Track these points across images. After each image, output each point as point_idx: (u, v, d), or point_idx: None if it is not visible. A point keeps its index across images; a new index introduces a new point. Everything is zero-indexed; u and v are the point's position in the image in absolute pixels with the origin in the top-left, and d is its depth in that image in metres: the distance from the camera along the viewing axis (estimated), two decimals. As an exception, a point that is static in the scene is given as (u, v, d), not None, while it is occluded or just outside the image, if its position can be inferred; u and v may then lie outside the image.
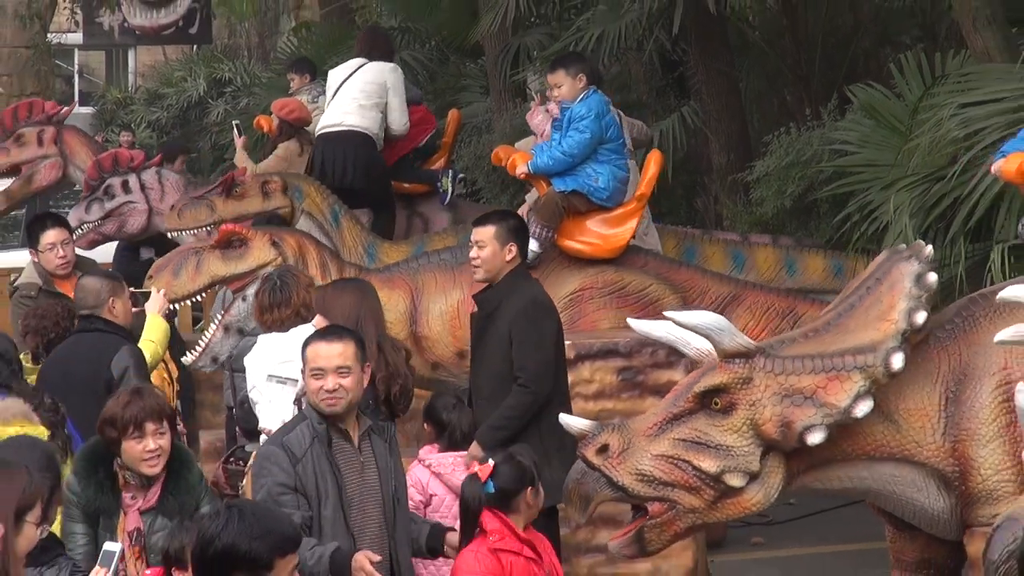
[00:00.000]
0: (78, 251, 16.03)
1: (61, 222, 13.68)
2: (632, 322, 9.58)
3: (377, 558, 8.23)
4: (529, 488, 8.77)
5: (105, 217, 16.34)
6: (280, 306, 10.90)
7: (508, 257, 10.68)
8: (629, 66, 19.10)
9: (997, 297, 8.81)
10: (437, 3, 20.64)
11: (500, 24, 18.34)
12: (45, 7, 31.34)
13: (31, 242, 13.49)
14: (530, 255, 12.00)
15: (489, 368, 10.54)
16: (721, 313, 12.54)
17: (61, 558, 7.37)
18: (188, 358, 12.49)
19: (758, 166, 15.88)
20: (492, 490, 8.66)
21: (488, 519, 8.66)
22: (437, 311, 12.57)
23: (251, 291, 11.87)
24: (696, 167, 18.34)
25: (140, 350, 10.77)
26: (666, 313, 9.25)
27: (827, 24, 17.88)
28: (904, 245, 9.62)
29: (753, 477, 8.70)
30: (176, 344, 13.00)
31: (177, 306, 12.76)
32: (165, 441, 8.24)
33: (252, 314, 11.81)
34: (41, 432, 9.21)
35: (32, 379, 11.33)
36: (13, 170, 17.18)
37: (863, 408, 8.71)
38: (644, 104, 18.75)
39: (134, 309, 11.67)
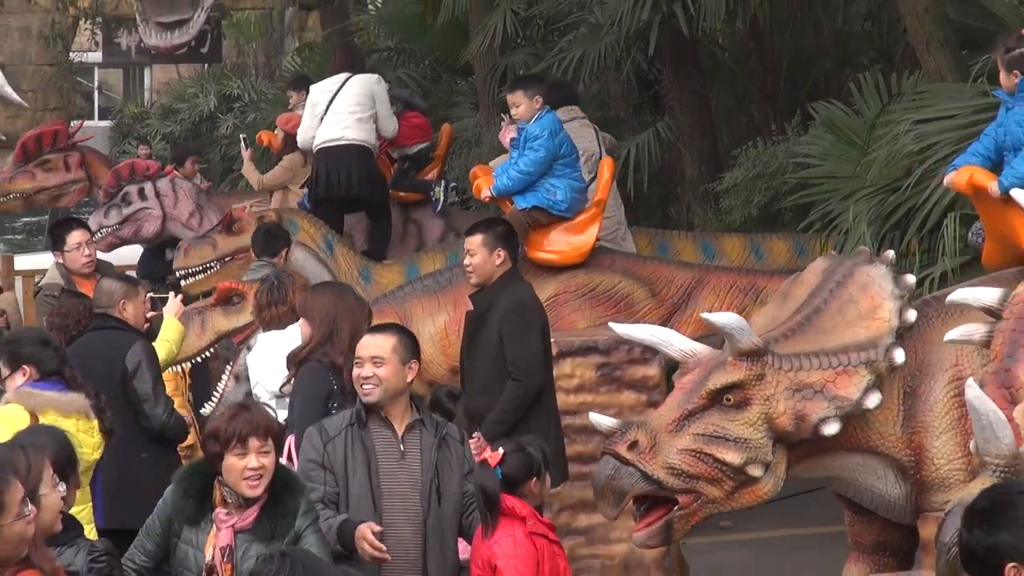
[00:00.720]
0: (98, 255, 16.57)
1: (83, 224, 13.62)
2: (614, 326, 9.63)
3: (378, 529, 8.14)
4: (535, 478, 8.56)
5: (123, 222, 16.30)
6: (276, 304, 11.00)
7: (497, 262, 10.70)
8: (608, 85, 19.09)
9: (947, 300, 8.84)
10: (430, 25, 20.59)
11: (488, 45, 18.33)
12: (67, 28, 31.31)
13: (55, 244, 13.41)
14: None
15: (481, 364, 10.56)
16: (689, 297, 12.74)
17: (80, 539, 7.33)
18: (206, 409, 12.41)
19: (727, 177, 15.88)
20: (500, 477, 8.43)
21: (519, 505, 8.46)
22: (427, 334, 12.51)
23: (253, 341, 11.89)
24: (670, 178, 18.34)
25: (152, 346, 10.77)
26: (703, 315, 9.22)
27: (791, 47, 17.88)
28: (864, 248, 9.72)
29: (767, 468, 8.69)
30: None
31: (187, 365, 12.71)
32: (269, 460, 7.61)
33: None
34: (94, 427, 9.24)
35: None
36: (37, 192, 17.11)
37: (874, 400, 8.73)
38: (622, 120, 18.75)
39: (152, 312, 11.68)
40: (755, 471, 8.60)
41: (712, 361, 8.75)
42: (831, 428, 8.64)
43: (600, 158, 13.84)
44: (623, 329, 9.46)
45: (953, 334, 8.38)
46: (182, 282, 14.41)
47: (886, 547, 9.91)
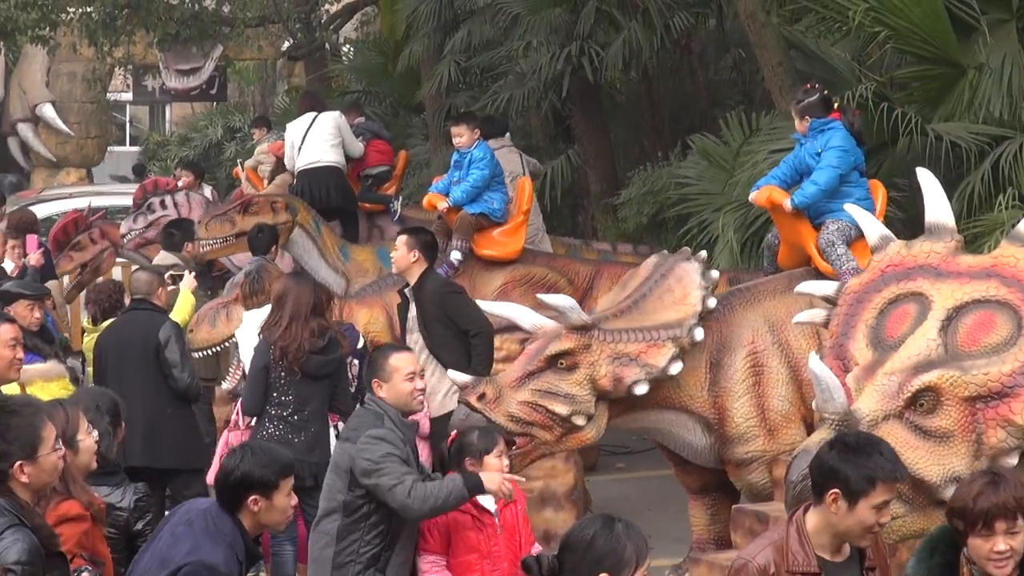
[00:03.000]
0: (130, 253, 16.76)
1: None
2: (481, 303, 10.41)
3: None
4: (468, 457, 7.64)
5: (147, 226, 16.25)
6: (258, 293, 10.97)
7: (412, 259, 10.79)
8: (530, 120, 19.06)
9: (795, 290, 8.88)
10: (391, 73, 20.54)
11: (436, 89, 18.37)
12: (105, 73, 31.16)
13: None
14: (455, 263, 12.64)
15: (441, 338, 10.56)
16: (591, 284, 12.84)
17: (125, 482, 7.26)
18: (226, 384, 12.22)
19: (623, 194, 15.88)
20: (449, 455, 7.73)
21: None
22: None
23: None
24: (578, 193, 18.34)
25: (179, 325, 10.70)
26: (539, 296, 9.83)
27: (674, 91, 17.90)
28: (687, 248, 10.16)
29: (590, 419, 9.03)
30: None
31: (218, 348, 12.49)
32: (1017, 542, 5.66)
33: None
34: (70, 388, 9.19)
35: (90, 340, 11.35)
36: (79, 268, 17.04)
37: (676, 367, 9.17)
38: (541, 148, 18.70)
39: (171, 287, 11.82)
40: (579, 421, 8.97)
41: (552, 333, 9.09)
42: (641, 388, 9.05)
43: (520, 176, 13.88)
44: (488, 306, 9.99)
45: (800, 317, 8.46)
46: (201, 248, 14.30)
47: (710, 489, 10.20)
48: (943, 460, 7.06)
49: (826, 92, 10.63)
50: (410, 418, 7.96)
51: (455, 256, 12.69)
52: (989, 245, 9.84)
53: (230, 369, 11.74)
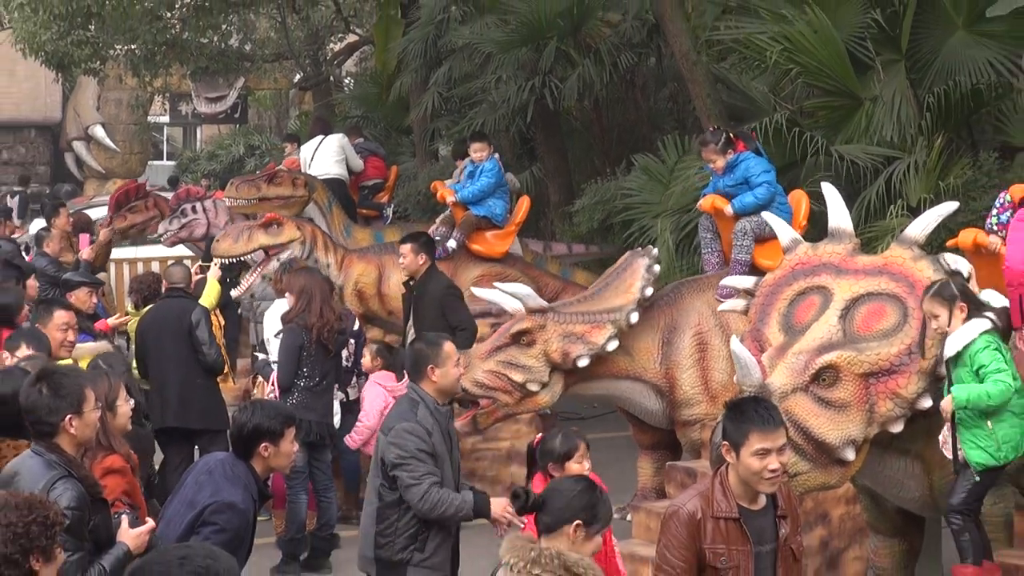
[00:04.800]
0: (166, 250, 17.19)
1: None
2: (475, 290, 10.39)
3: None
4: (550, 462, 6.74)
5: (180, 228, 16.38)
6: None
7: (420, 262, 10.78)
8: (500, 141, 18.93)
9: (721, 283, 8.96)
10: (384, 101, 20.47)
11: (423, 115, 18.30)
12: (146, 100, 31.09)
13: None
14: (450, 249, 12.65)
15: (432, 328, 10.38)
16: (556, 297, 12.82)
17: None
18: (236, 291, 12.59)
19: (577, 203, 15.85)
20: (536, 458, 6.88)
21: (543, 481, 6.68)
22: (395, 280, 12.31)
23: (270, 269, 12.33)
24: (540, 202, 18.19)
25: (207, 309, 10.68)
26: (496, 284, 10.01)
27: (620, 118, 17.86)
28: (641, 248, 10.22)
29: (544, 386, 9.24)
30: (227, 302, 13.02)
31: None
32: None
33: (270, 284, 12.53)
34: None
35: (134, 322, 11.37)
36: (130, 228, 17.09)
37: (612, 344, 9.37)
38: (510, 164, 18.50)
39: (198, 276, 11.83)
40: (533, 387, 9.20)
41: (520, 315, 9.31)
42: (583, 362, 9.27)
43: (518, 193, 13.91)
44: (481, 292, 9.98)
45: (724, 306, 8.45)
46: (229, 203, 14.70)
47: (660, 446, 10.28)
48: (841, 426, 7.09)
49: (724, 129, 10.68)
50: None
51: (452, 244, 12.70)
52: (881, 247, 9.86)
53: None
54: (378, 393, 10.20)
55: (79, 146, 33.31)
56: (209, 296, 10.95)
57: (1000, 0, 11.16)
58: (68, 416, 5.66)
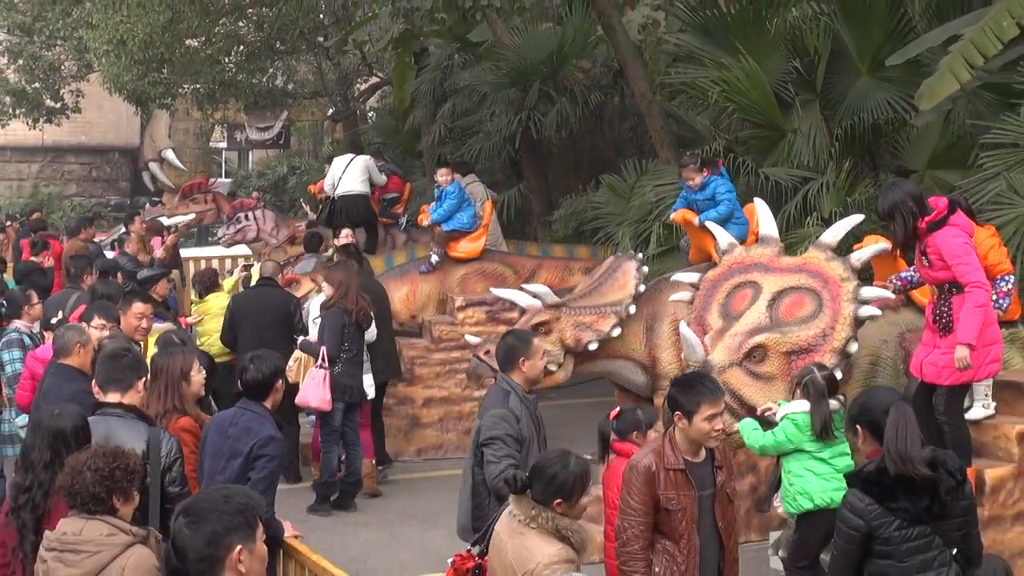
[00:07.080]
0: (225, 250, 16.78)
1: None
2: (495, 290, 9.87)
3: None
4: (636, 431, 6.57)
5: (236, 232, 16.37)
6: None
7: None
8: (494, 163, 18.92)
9: (671, 279, 8.90)
10: (400, 131, 20.46)
11: (431, 142, 18.26)
12: (208, 129, 30.95)
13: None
14: (433, 263, 12.55)
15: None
16: (533, 275, 12.73)
17: None
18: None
19: (555, 214, 15.80)
20: (615, 427, 6.63)
21: (624, 446, 6.56)
22: (399, 295, 12.32)
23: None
24: (526, 213, 18.15)
25: (295, 296, 10.66)
26: (524, 285, 9.53)
27: (590, 145, 17.80)
28: (630, 251, 9.87)
29: (560, 366, 8.90)
30: None
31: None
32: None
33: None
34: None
35: (200, 307, 11.38)
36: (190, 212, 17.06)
37: (616, 331, 9.02)
38: (501, 182, 18.56)
39: (243, 273, 12.10)
40: (552, 368, 8.84)
41: (536, 309, 9.00)
42: (593, 346, 8.95)
43: (485, 200, 13.78)
44: (499, 292, 9.67)
45: (674, 296, 8.42)
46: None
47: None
48: (769, 394, 7.11)
49: (698, 154, 10.64)
50: None
51: (434, 259, 12.58)
52: (801, 250, 9.85)
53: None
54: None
55: (154, 166, 33.17)
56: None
57: (896, 52, 11.31)
58: None
